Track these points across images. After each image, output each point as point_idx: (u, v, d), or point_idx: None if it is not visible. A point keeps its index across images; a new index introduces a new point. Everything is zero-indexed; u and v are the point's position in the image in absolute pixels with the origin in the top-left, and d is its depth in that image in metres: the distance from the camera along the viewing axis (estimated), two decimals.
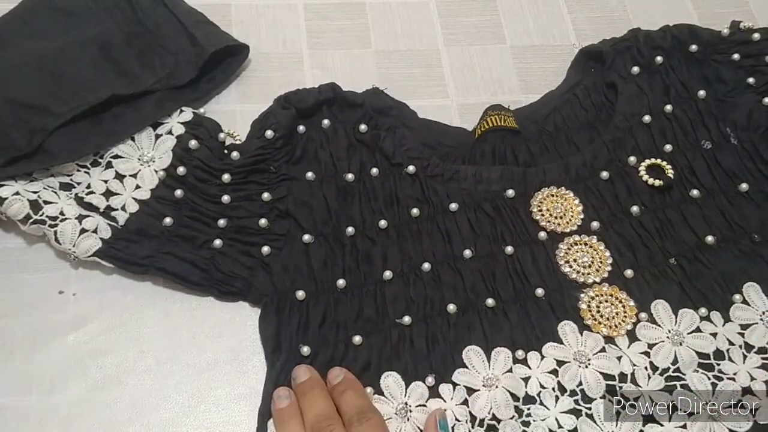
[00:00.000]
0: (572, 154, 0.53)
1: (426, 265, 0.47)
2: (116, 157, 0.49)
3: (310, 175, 0.49)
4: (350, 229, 0.48)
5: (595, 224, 0.49)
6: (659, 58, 0.56)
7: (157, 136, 0.50)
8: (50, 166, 0.47)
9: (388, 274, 0.46)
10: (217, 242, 0.46)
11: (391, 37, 0.61)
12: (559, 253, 0.48)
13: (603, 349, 0.44)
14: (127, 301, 0.46)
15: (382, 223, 0.48)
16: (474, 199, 0.50)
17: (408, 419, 0.42)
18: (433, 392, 0.43)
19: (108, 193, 0.48)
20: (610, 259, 0.48)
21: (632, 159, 0.52)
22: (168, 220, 0.47)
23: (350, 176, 0.50)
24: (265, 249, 0.47)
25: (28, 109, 0.47)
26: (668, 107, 0.54)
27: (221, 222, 0.47)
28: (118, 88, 0.49)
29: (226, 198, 0.48)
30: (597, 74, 0.57)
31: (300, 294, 0.45)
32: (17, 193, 0.45)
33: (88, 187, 0.48)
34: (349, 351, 0.44)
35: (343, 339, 0.44)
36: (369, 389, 0.43)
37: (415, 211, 0.49)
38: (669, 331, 0.45)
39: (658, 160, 0.52)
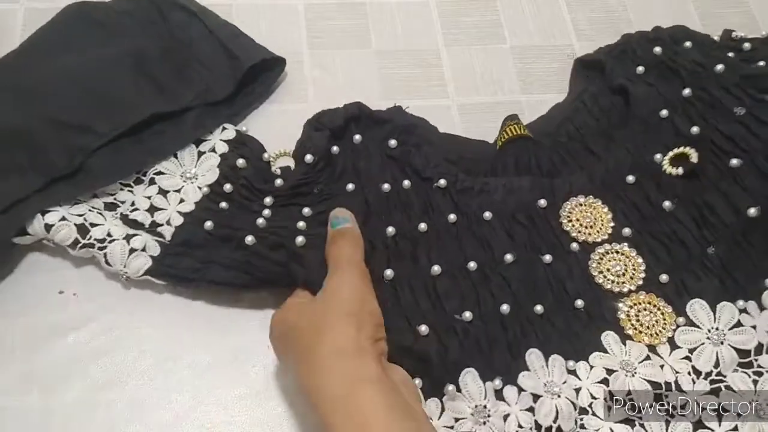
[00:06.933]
0: (593, 162, 0.52)
1: (472, 264, 0.46)
2: (159, 173, 0.48)
3: (350, 186, 0.49)
4: (390, 229, 0.47)
5: (626, 230, 0.48)
6: (657, 49, 0.55)
7: (200, 153, 0.49)
8: (95, 190, 0.46)
9: (436, 268, 0.45)
10: (249, 239, 0.45)
11: (391, 37, 0.61)
12: (591, 263, 0.47)
13: (648, 357, 0.43)
14: (128, 301, 0.46)
15: (422, 226, 0.47)
16: (507, 210, 0.49)
17: (485, 423, 0.40)
18: (499, 395, 0.42)
19: (152, 209, 0.47)
20: (643, 266, 0.47)
21: (658, 156, 0.51)
22: (209, 224, 0.46)
23: (386, 186, 0.49)
24: (299, 239, 0.45)
25: (68, 128, 0.46)
26: (686, 91, 0.53)
27: (260, 221, 0.46)
28: (159, 105, 0.49)
29: (267, 212, 0.47)
30: (599, 82, 0.56)
31: None
32: (63, 218, 0.44)
33: (132, 204, 0.47)
34: (418, 341, 0.42)
35: (413, 326, 0.43)
36: (451, 387, 0.41)
37: (452, 216, 0.48)
38: (709, 331, 0.44)
39: (683, 149, 0.50)
